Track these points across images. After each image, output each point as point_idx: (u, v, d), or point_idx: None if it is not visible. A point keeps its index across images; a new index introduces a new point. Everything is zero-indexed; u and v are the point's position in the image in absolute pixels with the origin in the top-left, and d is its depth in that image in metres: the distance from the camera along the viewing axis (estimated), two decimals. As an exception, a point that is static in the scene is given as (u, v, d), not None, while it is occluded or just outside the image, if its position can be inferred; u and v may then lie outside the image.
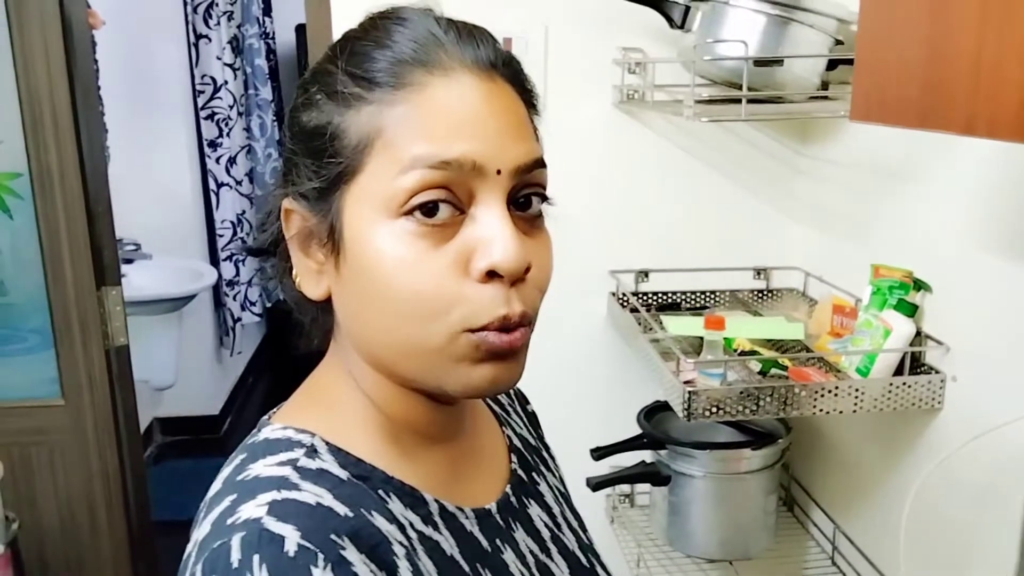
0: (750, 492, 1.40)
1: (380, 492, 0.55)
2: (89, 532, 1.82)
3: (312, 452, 0.55)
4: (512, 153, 0.54)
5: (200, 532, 0.51)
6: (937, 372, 1.17)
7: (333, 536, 0.49)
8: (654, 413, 1.51)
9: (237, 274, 3.58)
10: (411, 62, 0.53)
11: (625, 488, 1.66)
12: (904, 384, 1.16)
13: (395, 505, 0.55)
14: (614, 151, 1.57)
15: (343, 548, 0.48)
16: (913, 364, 1.18)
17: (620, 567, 1.49)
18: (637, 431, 1.48)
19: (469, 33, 0.56)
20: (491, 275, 0.52)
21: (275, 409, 0.62)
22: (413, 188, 0.51)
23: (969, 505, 1.13)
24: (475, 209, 0.53)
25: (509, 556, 0.61)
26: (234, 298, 3.58)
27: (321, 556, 0.47)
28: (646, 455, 1.49)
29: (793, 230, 1.61)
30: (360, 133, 0.53)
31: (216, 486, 0.55)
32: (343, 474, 0.54)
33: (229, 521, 0.49)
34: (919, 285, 1.20)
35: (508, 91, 0.56)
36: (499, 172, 0.53)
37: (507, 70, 0.56)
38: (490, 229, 0.52)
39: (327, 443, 0.56)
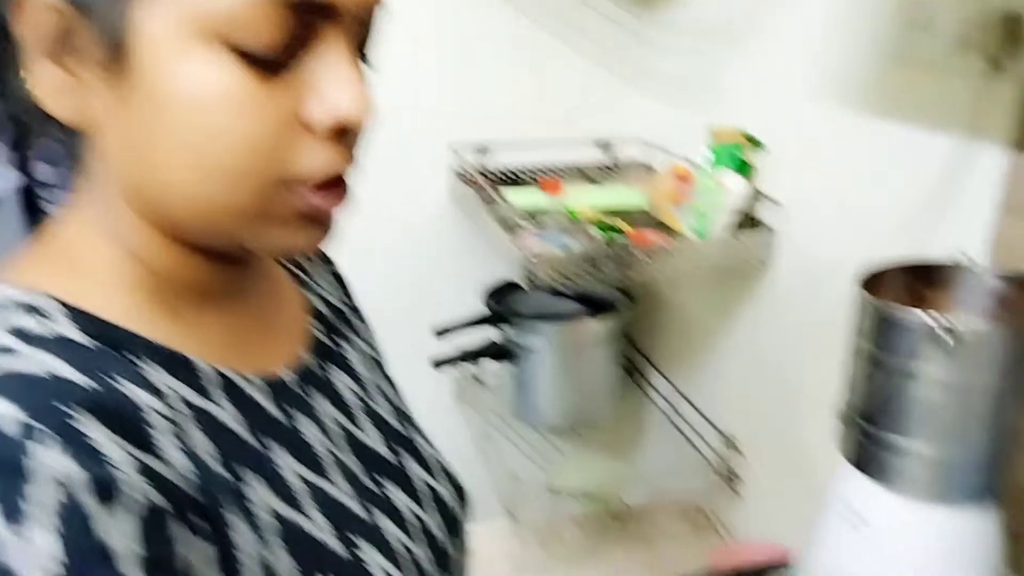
0: (594, 361, 1.41)
1: (136, 359, 0.46)
2: None
3: (43, 316, 0.44)
4: None
5: None
6: (770, 229, 1.18)
7: (66, 409, 0.39)
8: (502, 294, 1.48)
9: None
10: None
11: (475, 368, 1.64)
12: (739, 242, 1.17)
13: (156, 373, 0.46)
14: (452, 21, 1.47)
15: (78, 422, 0.39)
16: (749, 222, 1.20)
17: (467, 445, 1.48)
18: (485, 311, 1.45)
19: None
20: (333, 127, 0.45)
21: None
22: (245, 9, 0.41)
23: (797, 355, 1.17)
24: (317, 45, 0.44)
25: (309, 426, 0.54)
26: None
27: (49, 434, 0.38)
28: (495, 335, 1.46)
29: (635, 100, 1.59)
30: None
31: None
32: (86, 340, 0.45)
33: None
34: (752, 143, 1.20)
35: None
36: (347, 10, 0.44)
37: None
38: (336, 73, 0.44)
39: (68, 306, 0.46)
